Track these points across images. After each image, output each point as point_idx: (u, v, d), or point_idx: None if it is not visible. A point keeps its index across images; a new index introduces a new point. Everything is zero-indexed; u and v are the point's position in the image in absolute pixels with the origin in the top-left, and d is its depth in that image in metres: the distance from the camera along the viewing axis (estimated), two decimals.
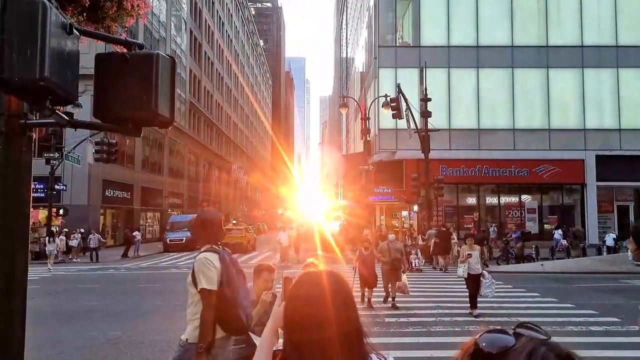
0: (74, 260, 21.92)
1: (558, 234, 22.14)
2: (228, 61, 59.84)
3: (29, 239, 2.59)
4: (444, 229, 18.83)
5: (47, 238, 19.81)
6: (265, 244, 33.59)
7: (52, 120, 2.43)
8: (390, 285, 9.97)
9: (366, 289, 9.91)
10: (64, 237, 21.72)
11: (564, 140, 25.42)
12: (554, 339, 0.75)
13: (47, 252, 19.11)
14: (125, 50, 2.55)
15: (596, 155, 25.07)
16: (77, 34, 2.37)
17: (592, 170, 25.16)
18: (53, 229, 21.55)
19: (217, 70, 53.59)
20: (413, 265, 16.42)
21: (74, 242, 22.30)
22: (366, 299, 9.88)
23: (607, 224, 25.48)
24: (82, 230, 23.30)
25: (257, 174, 79.08)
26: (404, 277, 9.91)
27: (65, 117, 2.41)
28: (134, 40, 2.62)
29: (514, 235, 20.86)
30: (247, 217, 64.82)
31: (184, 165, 42.97)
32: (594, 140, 25.30)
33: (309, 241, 27.85)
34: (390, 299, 10.01)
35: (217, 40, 53.68)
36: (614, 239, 20.96)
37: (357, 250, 10.98)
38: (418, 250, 18.15)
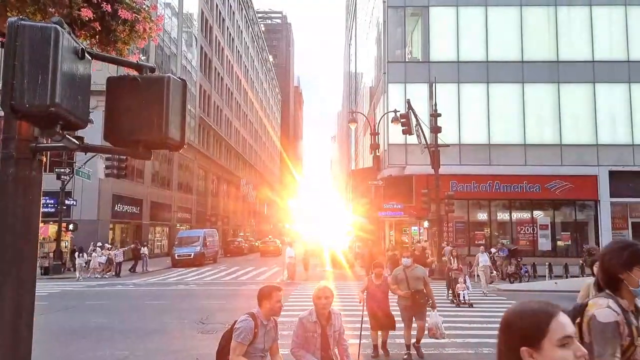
0: (104, 276, 21.68)
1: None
2: (237, 77, 60.43)
3: (37, 263, 2.53)
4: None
5: (77, 253, 21.32)
6: (273, 259, 33.40)
7: (63, 144, 2.39)
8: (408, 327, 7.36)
9: (379, 333, 7.43)
10: (96, 254, 21.69)
11: (576, 156, 25.13)
12: None
13: (76, 265, 20.96)
14: (136, 73, 2.52)
15: (609, 171, 24.72)
16: (89, 58, 2.35)
17: (606, 186, 24.79)
18: (93, 246, 22.39)
19: (226, 85, 54.11)
20: (462, 298, 12.48)
21: (102, 259, 22.05)
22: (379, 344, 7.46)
23: None
24: (109, 245, 23.33)
25: (265, 188, 79.18)
26: (433, 314, 7.35)
27: (76, 142, 2.37)
28: (146, 64, 2.58)
29: (501, 254, 20.50)
30: (255, 232, 64.70)
31: (193, 180, 43.14)
32: (607, 156, 24.98)
33: (317, 257, 27.66)
34: (409, 343, 7.32)
35: (227, 56, 54.31)
36: None
37: (367, 276, 8.72)
38: (466, 276, 13.94)
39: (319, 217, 79.62)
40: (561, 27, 25.84)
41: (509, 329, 1.34)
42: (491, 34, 26.01)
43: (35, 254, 2.46)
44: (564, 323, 1.30)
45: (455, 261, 14.61)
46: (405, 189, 25.72)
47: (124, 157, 18.72)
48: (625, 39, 25.51)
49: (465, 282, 12.91)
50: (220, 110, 51.32)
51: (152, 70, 2.58)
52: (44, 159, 2.61)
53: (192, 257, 26.31)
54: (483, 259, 16.13)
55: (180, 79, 2.63)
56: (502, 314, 1.38)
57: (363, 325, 6.85)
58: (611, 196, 24.73)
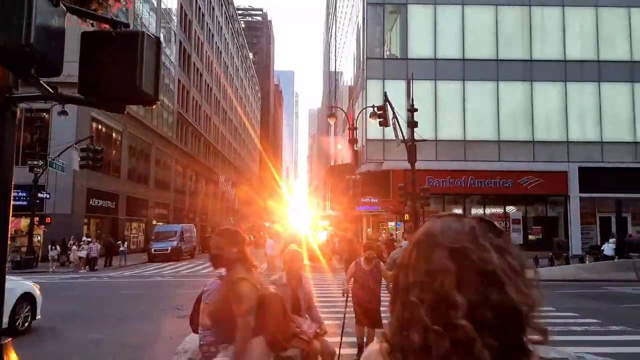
0: (79, 271, 21.21)
1: None
2: (217, 73, 59.99)
3: (9, 220, 2.56)
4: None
5: (49, 245, 21.27)
6: (251, 255, 33.32)
7: (37, 93, 2.44)
8: None
9: (366, 329, 6.01)
10: (76, 248, 21.28)
11: (547, 153, 25.85)
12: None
13: (49, 257, 20.98)
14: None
15: (579, 167, 25.51)
16: (63, 8, 2.41)
17: (575, 181, 25.58)
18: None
19: (206, 81, 53.68)
20: None
21: (82, 253, 21.59)
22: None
23: (590, 235, 25.85)
24: (88, 239, 22.74)
25: (244, 186, 78.79)
26: None
27: (50, 89, 2.43)
28: (120, 20, 2.65)
29: None
30: None
31: (171, 176, 42.69)
32: (577, 153, 25.78)
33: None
34: None
35: (206, 52, 53.86)
36: (614, 249, 20.78)
37: (354, 262, 6.49)
38: None
39: (298, 215, 79.67)
40: (535, 27, 26.54)
41: None
42: (467, 33, 26.54)
43: (6, 213, 2.47)
44: None
45: None
46: (383, 184, 26.05)
47: (100, 148, 18.45)
48: (596, 39, 26.36)
49: None
50: (199, 107, 50.88)
51: (127, 26, 2.65)
52: (18, 113, 2.66)
53: (169, 251, 26.09)
54: None
55: (154, 36, 2.71)
56: None
57: (348, 320, 5.88)
58: (580, 192, 25.53)
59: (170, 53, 41.14)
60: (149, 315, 9.68)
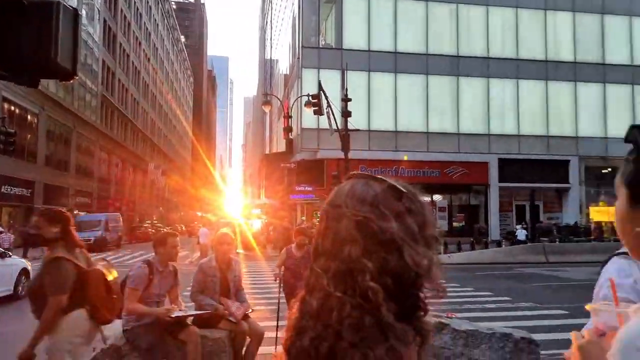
0: None
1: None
2: (146, 55, 57.11)
3: None
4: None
5: None
6: (181, 245, 32.42)
7: None
8: None
9: None
10: None
11: (471, 144, 27.40)
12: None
13: None
14: None
15: (499, 159, 27.33)
16: None
17: (495, 172, 27.40)
18: None
19: (133, 63, 50.92)
20: None
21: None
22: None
23: (507, 222, 27.88)
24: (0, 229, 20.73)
25: (176, 175, 76.15)
26: None
27: None
28: None
29: None
30: (165, 219, 62.17)
31: (94, 163, 40.23)
32: (497, 145, 27.56)
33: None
34: None
35: (133, 33, 51.02)
36: (525, 234, 22.89)
37: (285, 248, 6.26)
38: None
39: (232, 204, 78.48)
40: (461, 24, 27.87)
41: None
42: (400, 26, 27.31)
43: None
44: None
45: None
46: (317, 173, 26.31)
47: (13, 131, 16.95)
48: (515, 38, 28.19)
49: None
50: (126, 90, 48.22)
51: None
52: None
53: (92, 241, 24.67)
54: None
55: (71, 7, 2.56)
56: None
57: (283, 305, 5.52)
58: (499, 181, 27.41)
59: (94, 32, 38.51)
60: None
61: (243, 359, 4.03)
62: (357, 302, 0.77)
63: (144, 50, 55.91)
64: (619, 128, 29.16)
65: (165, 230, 4.00)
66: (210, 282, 3.98)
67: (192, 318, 3.94)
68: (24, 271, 10.63)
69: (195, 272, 4.10)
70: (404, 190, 0.87)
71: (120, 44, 45.91)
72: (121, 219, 32.96)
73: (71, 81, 2.56)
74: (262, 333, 4.09)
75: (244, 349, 4.07)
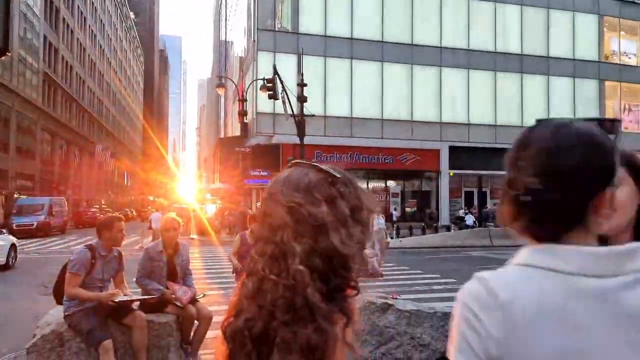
0: None
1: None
2: (92, 31, 54.22)
3: None
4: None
5: None
6: (131, 230, 31.56)
7: None
8: None
9: None
10: None
11: (424, 132, 28.07)
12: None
13: None
14: None
15: (449, 146, 28.21)
16: None
17: (446, 159, 28.28)
18: None
19: (78, 40, 48.22)
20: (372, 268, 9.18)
21: None
22: None
23: (457, 207, 28.95)
24: None
25: (126, 158, 73.44)
26: None
27: None
28: None
29: None
30: (114, 203, 60.05)
31: (36, 144, 38.06)
32: (448, 133, 28.41)
33: (182, 225, 26.84)
34: None
35: (78, 7, 48.24)
36: (473, 220, 23.92)
37: (239, 234, 6.03)
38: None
39: (186, 188, 76.79)
40: (416, 13, 28.27)
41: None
42: (356, 12, 27.35)
43: None
44: None
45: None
46: (273, 158, 26.16)
47: None
48: (467, 29, 28.95)
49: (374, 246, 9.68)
50: (70, 68, 45.68)
51: None
52: None
53: (34, 226, 23.51)
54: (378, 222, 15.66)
55: None
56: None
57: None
58: (450, 168, 28.35)
59: (34, 4, 36.08)
60: (9, 294, 8.74)
61: (191, 342, 4.03)
62: (289, 284, 0.81)
63: (89, 26, 53.04)
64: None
65: (112, 214, 3.89)
66: (156, 267, 3.93)
67: (137, 303, 3.88)
68: (13, 246, 12.92)
69: (141, 257, 4.02)
70: (338, 175, 0.92)
71: (64, 19, 43.31)
72: (66, 203, 31.52)
73: (3, 57, 2.42)
74: (211, 316, 4.09)
75: (192, 332, 4.06)
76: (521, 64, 29.90)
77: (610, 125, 0.93)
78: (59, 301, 3.76)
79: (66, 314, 3.62)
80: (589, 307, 0.76)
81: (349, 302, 0.88)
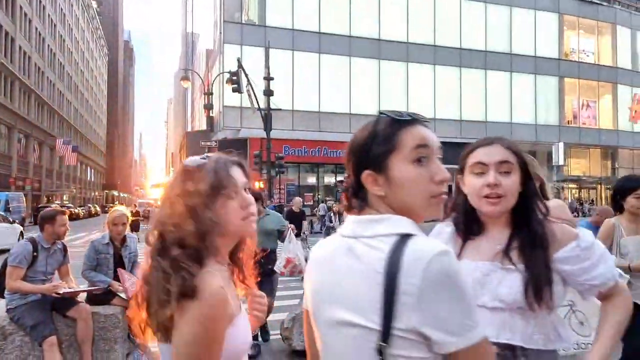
0: None
1: None
2: (52, 20, 52.16)
3: None
4: None
5: None
6: (94, 225, 30.77)
7: None
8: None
9: None
10: None
11: None
12: None
13: None
14: None
15: None
16: None
17: None
18: None
19: (36, 28, 46.29)
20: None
21: None
22: None
23: None
24: None
25: (89, 152, 71.26)
26: (293, 240, 5.19)
27: None
28: None
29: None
30: (77, 199, 58.24)
31: None
32: None
33: (150, 221, 26.32)
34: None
35: None
36: None
37: None
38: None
39: (153, 182, 75.21)
40: (383, 8, 28.50)
41: (351, 149, 1.06)
42: (323, 7, 27.35)
43: None
44: (420, 131, 1.02)
45: (337, 219, 11.41)
46: (240, 152, 25.81)
47: None
48: (433, 25, 29.40)
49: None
50: (28, 58, 43.82)
51: None
52: None
53: None
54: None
55: None
56: None
57: None
58: None
59: None
60: None
61: None
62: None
63: (49, 15, 50.97)
64: (523, 114, 31.82)
65: (55, 207, 3.83)
66: (103, 259, 3.90)
67: (83, 295, 3.83)
68: (21, 233, 15.19)
69: (87, 249, 3.97)
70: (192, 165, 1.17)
71: (21, 7, 41.46)
72: (24, 199, 30.39)
73: None
74: None
75: None
76: (485, 60, 30.64)
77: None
78: (1, 295, 3.67)
79: (8, 307, 3.54)
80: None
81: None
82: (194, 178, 1.12)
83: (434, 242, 0.92)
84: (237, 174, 1.17)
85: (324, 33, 27.23)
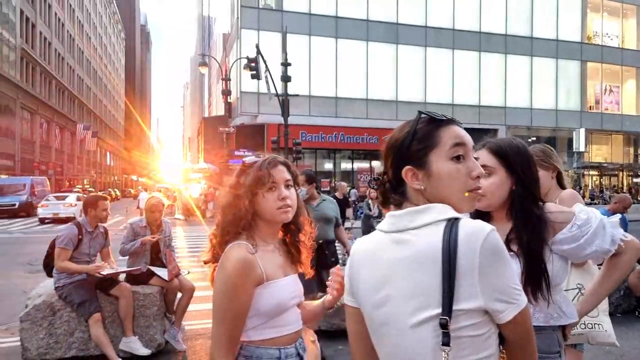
0: None
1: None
2: (70, 5, 52.68)
3: None
4: None
5: None
6: (116, 210, 31.50)
7: None
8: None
9: None
10: None
11: (409, 111, 28.23)
12: None
13: None
14: None
15: None
16: None
17: None
18: None
19: (56, 14, 46.86)
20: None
21: None
22: None
23: None
24: None
25: (108, 137, 72.35)
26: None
27: None
28: None
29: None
30: (97, 183, 59.43)
31: (15, 123, 37.29)
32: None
33: (169, 205, 26.86)
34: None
35: None
36: None
37: None
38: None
39: (171, 167, 76.23)
40: None
41: (389, 146, 1.16)
42: None
43: None
44: (457, 130, 1.09)
45: (376, 207, 9.87)
46: (258, 138, 26.14)
47: None
48: (452, 9, 28.92)
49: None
50: (49, 44, 44.48)
51: None
52: None
53: (16, 206, 23.30)
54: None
55: None
56: None
57: None
58: None
59: None
60: None
61: (175, 311, 4.25)
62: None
63: (67, 0, 51.50)
64: (543, 100, 31.31)
65: (97, 193, 4.10)
66: (138, 248, 4.14)
67: (123, 275, 4.08)
68: None
69: (126, 231, 4.22)
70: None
71: None
72: (48, 183, 31.20)
73: None
74: (193, 288, 4.31)
75: (176, 303, 4.29)
76: (505, 44, 30.11)
77: None
78: (49, 274, 3.94)
79: (57, 285, 3.81)
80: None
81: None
82: (245, 173, 1.45)
83: (481, 222, 1.00)
84: (279, 171, 1.44)
85: (341, 17, 27.03)
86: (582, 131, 28.37)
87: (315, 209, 3.98)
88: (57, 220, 19.75)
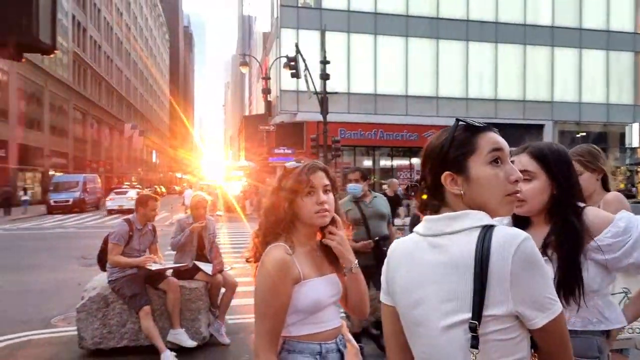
0: None
1: None
2: (118, 9, 54.91)
3: None
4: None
5: None
6: (162, 207, 32.61)
7: None
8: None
9: None
10: None
11: (450, 108, 27.72)
12: None
13: None
14: None
15: None
16: None
17: None
18: None
19: (105, 18, 49.01)
20: None
21: None
22: None
23: None
24: None
25: (154, 135, 75.01)
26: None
27: None
28: None
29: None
30: (143, 180, 61.77)
31: (69, 123, 39.37)
32: (475, 109, 27.96)
33: (211, 201, 27.61)
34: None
35: None
36: None
37: None
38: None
39: (212, 165, 78.15)
40: None
41: (427, 153, 1.16)
42: None
43: None
44: (494, 137, 1.11)
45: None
46: (297, 135, 26.43)
47: None
48: (495, 1, 28.08)
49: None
50: (98, 47, 46.63)
51: None
52: None
53: (70, 203, 24.66)
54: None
55: None
56: None
57: None
58: None
59: None
60: (53, 265, 9.44)
61: (219, 306, 4.47)
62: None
63: (115, 4, 53.71)
64: (593, 94, 29.93)
65: (147, 193, 4.36)
66: (188, 236, 4.37)
67: (171, 270, 4.33)
68: None
69: (174, 227, 4.47)
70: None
71: None
72: (99, 180, 32.77)
73: (51, 56, 2.72)
74: (236, 284, 4.51)
75: (220, 298, 4.51)
76: (552, 36, 28.96)
77: None
78: (103, 268, 4.24)
79: (110, 279, 4.10)
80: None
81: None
82: (287, 178, 1.55)
83: (515, 229, 1.02)
84: (318, 177, 1.53)
85: (379, 13, 26.83)
86: (636, 126, 26.91)
87: (368, 206, 4.07)
88: (122, 212, 22.16)
